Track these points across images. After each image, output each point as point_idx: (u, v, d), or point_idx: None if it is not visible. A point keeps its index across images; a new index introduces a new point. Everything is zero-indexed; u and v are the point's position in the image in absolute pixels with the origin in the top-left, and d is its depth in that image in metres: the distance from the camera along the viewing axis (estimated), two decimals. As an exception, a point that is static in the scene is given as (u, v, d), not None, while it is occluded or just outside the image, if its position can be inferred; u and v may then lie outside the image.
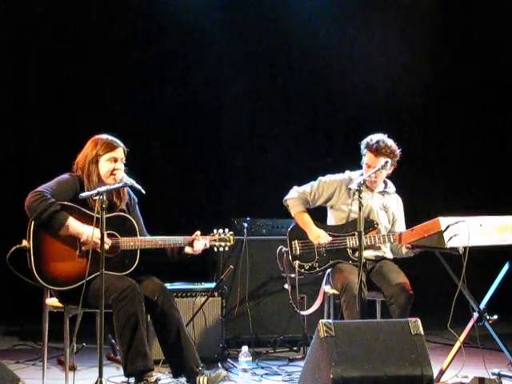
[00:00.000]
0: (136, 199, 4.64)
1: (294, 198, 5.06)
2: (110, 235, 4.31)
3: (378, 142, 4.91)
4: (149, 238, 4.45)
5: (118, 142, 4.47)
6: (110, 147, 4.40)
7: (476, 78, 7.29)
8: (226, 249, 4.60)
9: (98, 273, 4.08)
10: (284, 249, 5.04)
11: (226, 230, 4.58)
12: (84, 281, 4.15)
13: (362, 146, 4.98)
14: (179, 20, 6.92)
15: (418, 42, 7.26)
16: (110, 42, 6.79)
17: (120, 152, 4.43)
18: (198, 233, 4.49)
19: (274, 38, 7.15)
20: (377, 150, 4.89)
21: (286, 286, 5.12)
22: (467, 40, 7.28)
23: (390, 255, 5.07)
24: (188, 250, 4.48)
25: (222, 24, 7.06)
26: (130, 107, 6.80)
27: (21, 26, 6.68)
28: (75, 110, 6.67)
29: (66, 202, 4.30)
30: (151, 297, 4.37)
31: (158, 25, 6.93)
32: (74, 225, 4.25)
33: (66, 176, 4.41)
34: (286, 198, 5.10)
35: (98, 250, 4.08)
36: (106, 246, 4.20)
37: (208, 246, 4.51)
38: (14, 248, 4.26)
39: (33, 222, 4.24)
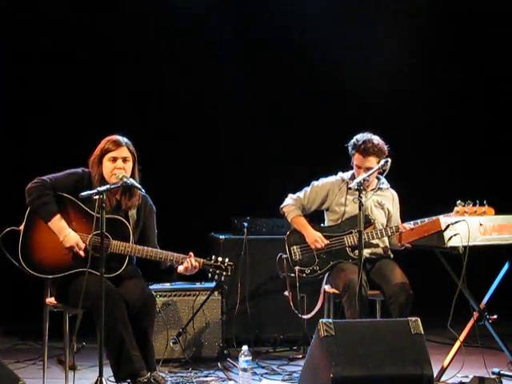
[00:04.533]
0: (154, 208, 4.59)
1: (290, 204, 5.10)
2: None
3: (364, 142, 4.91)
4: (140, 247, 4.35)
5: (123, 140, 4.42)
6: (111, 147, 4.38)
7: (477, 76, 7.29)
8: (222, 278, 4.46)
9: (82, 269, 4.11)
10: (283, 255, 5.05)
11: (227, 260, 4.42)
12: (64, 274, 4.25)
13: (350, 148, 4.99)
14: (179, 20, 6.92)
15: (420, 40, 7.25)
16: (108, 40, 6.78)
17: (122, 151, 4.39)
18: (191, 254, 4.38)
19: (275, 39, 7.14)
20: (365, 151, 4.89)
21: (286, 293, 5.12)
22: (468, 37, 7.28)
23: (389, 251, 5.06)
24: (180, 268, 4.38)
25: (223, 24, 7.06)
26: (129, 107, 6.79)
27: (21, 25, 6.69)
28: (76, 108, 6.68)
29: (66, 195, 4.33)
30: (129, 300, 4.27)
31: (158, 24, 6.93)
32: (57, 222, 4.27)
33: (77, 170, 4.44)
34: (282, 206, 5.14)
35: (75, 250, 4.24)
36: (81, 253, 4.24)
37: (198, 267, 4.35)
38: (7, 229, 4.30)
39: (28, 207, 4.31)
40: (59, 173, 4.40)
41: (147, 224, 4.53)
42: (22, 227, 4.31)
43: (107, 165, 4.38)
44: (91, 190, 4.14)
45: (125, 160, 4.39)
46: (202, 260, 4.38)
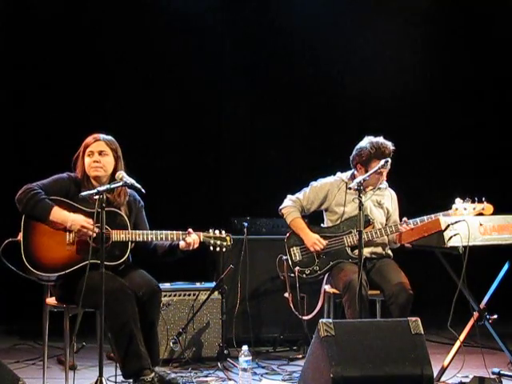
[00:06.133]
0: (142, 203, 4.63)
1: (289, 205, 5.09)
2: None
3: (385, 147, 4.87)
4: (140, 231, 4.41)
5: (102, 136, 4.47)
6: (89, 141, 4.46)
7: (476, 76, 7.30)
8: (224, 250, 4.53)
9: (86, 262, 4.10)
10: (284, 257, 5.05)
11: (224, 232, 4.54)
12: (72, 269, 4.25)
13: (367, 155, 4.89)
14: (179, 20, 6.93)
15: (420, 39, 7.27)
16: (108, 40, 6.79)
17: (98, 145, 4.44)
18: (190, 230, 4.46)
19: (275, 39, 7.16)
20: (388, 156, 4.85)
21: (286, 294, 5.12)
22: (468, 37, 7.30)
23: (389, 251, 5.07)
24: (182, 243, 4.44)
25: (223, 24, 7.07)
26: (130, 106, 6.80)
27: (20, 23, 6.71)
28: (74, 110, 6.69)
29: (58, 197, 4.34)
30: (136, 291, 4.31)
31: (158, 24, 6.94)
32: (59, 212, 4.29)
33: (63, 175, 4.47)
34: (281, 207, 5.13)
35: (85, 237, 4.24)
36: (94, 234, 4.21)
37: (200, 240, 4.44)
38: (6, 241, 4.30)
39: (23, 215, 4.30)
40: (45, 179, 4.42)
41: (138, 218, 4.59)
42: (20, 236, 4.30)
43: (86, 160, 4.45)
44: (83, 190, 4.22)
45: (101, 153, 4.43)
46: (200, 233, 4.48)
